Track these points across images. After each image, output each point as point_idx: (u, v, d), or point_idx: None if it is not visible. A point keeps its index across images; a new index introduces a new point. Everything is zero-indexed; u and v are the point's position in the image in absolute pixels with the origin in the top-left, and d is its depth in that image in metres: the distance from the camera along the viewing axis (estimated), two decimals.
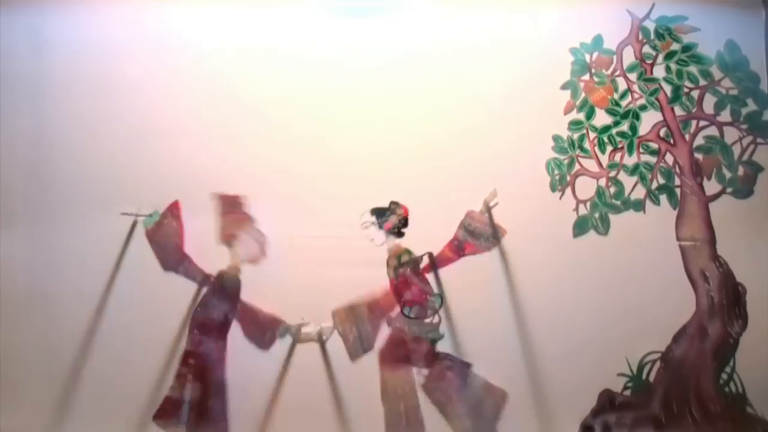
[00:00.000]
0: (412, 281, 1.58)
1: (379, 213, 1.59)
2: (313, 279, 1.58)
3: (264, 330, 1.57)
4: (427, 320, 1.58)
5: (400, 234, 1.60)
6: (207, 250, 1.59)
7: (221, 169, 1.61)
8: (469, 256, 1.60)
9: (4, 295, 1.57)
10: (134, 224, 1.59)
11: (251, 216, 1.60)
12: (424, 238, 1.61)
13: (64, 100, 1.62)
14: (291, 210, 1.60)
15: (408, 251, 1.60)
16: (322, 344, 1.56)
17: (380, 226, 1.59)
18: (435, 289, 1.59)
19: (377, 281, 1.59)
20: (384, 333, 1.59)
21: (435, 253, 1.60)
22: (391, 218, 1.59)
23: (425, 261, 1.60)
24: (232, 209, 1.60)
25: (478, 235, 1.60)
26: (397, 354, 1.57)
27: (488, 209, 1.60)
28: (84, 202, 1.60)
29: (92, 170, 1.61)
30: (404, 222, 1.60)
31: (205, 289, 1.58)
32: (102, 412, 1.55)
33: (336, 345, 1.58)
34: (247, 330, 1.58)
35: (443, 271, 1.60)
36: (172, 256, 1.59)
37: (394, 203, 1.59)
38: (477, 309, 1.59)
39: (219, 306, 1.58)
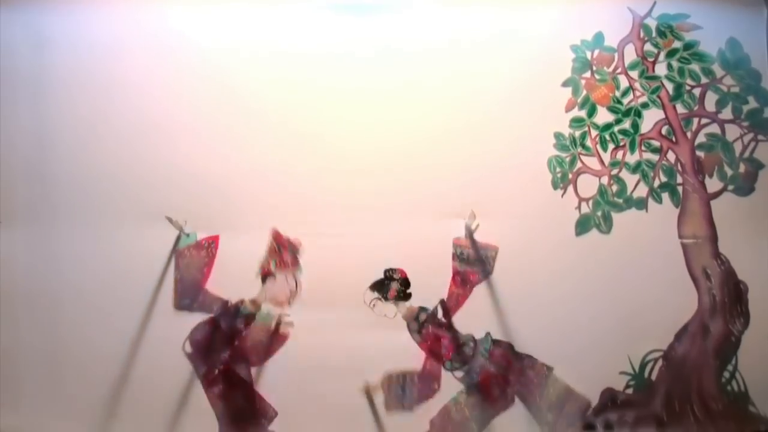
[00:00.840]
0: (440, 335, 1.57)
1: (379, 287, 1.58)
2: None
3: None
4: (470, 354, 1.57)
5: (407, 296, 1.58)
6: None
7: (224, 167, 1.60)
8: (477, 285, 1.59)
9: (4, 295, 1.56)
10: (179, 238, 1.58)
11: (299, 262, 1.58)
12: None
13: (65, 99, 1.61)
14: (294, 208, 1.60)
15: (422, 308, 1.58)
16: (370, 396, 1.54)
17: (386, 299, 1.58)
18: (465, 330, 1.58)
19: None
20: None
21: (446, 297, 1.59)
22: (392, 285, 1.58)
23: (440, 311, 1.58)
24: (282, 251, 1.58)
25: (473, 262, 1.59)
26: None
27: (470, 233, 1.59)
28: (85, 202, 1.59)
29: (93, 169, 1.60)
30: (406, 284, 1.58)
31: (216, 309, 1.57)
32: (102, 412, 1.54)
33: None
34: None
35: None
36: (188, 292, 1.57)
37: (388, 271, 1.58)
38: (477, 309, 1.59)
39: (223, 329, 1.57)
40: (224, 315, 1.57)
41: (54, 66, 1.62)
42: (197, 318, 1.57)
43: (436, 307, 1.58)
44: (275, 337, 1.56)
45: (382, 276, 1.58)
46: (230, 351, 1.56)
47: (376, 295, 1.57)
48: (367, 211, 1.60)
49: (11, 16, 1.63)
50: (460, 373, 1.57)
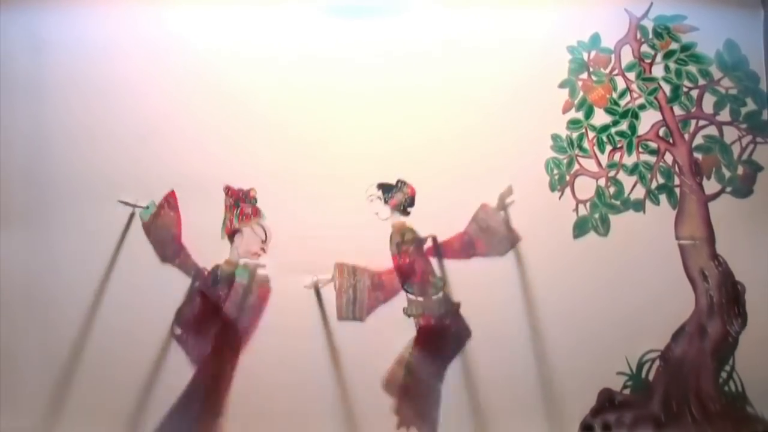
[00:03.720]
0: (414, 259, 1.59)
1: (386, 188, 1.60)
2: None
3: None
4: (434, 297, 1.59)
5: (405, 212, 1.60)
6: (205, 246, 1.59)
7: (219, 169, 1.61)
8: (479, 257, 1.59)
9: (3, 295, 1.57)
10: (132, 216, 1.59)
11: (260, 210, 1.60)
12: (423, 230, 1.61)
13: (62, 100, 1.61)
14: (290, 209, 1.60)
15: (412, 230, 1.60)
16: (318, 292, 1.57)
17: (386, 201, 1.60)
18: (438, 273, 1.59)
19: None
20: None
21: (440, 240, 1.60)
22: (397, 195, 1.59)
23: (429, 243, 1.60)
24: (240, 203, 1.59)
25: (492, 234, 1.59)
26: (434, 342, 1.57)
27: (504, 207, 1.60)
28: (82, 202, 1.60)
29: (90, 170, 1.60)
30: (410, 201, 1.60)
31: (196, 284, 1.58)
32: (103, 412, 1.55)
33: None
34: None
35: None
36: (169, 247, 1.58)
37: (401, 181, 1.60)
38: (476, 308, 1.59)
39: (207, 301, 1.57)
40: (204, 284, 1.58)
41: (51, 68, 1.62)
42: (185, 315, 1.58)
43: (426, 238, 1.60)
44: (257, 295, 1.57)
45: (393, 183, 1.61)
46: (219, 322, 1.57)
47: (379, 193, 1.60)
48: (363, 214, 1.60)
49: (9, 19, 1.63)
50: (412, 298, 1.59)
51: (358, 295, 1.58)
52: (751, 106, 1.65)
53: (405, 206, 1.60)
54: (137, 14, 1.64)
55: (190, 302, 1.58)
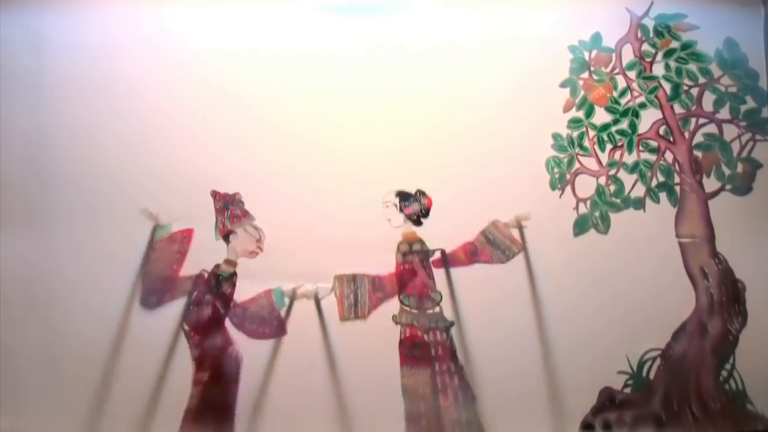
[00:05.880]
0: (418, 270, 1.59)
1: (405, 197, 1.60)
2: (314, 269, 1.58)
3: (262, 308, 1.57)
4: (429, 311, 1.58)
5: (418, 222, 1.60)
6: (204, 250, 1.59)
7: (220, 168, 1.60)
8: (482, 264, 1.60)
9: (4, 295, 1.56)
10: (155, 229, 1.58)
11: (248, 213, 1.60)
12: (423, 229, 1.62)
13: (63, 99, 1.61)
14: (290, 209, 1.60)
15: (421, 241, 1.60)
16: (318, 302, 1.56)
17: (401, 210, 1.60)
18: (444, 287, 1.59)
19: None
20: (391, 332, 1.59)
21: (447, 252, 1.60)
22: (414, 205, 1.60)
23: (436, 255, 1.60)
24: (229, 206, 1.59)
25: (497, 245, 1.60)
26: (417, 353, 1.57)
27: (519, 226, 1.61)
28: (82, 200, 1.59)
29: (91, 169, 1.60)
30: (426, 212, 1.60)
31: (197, 290, 1.58)
32: (103, 412, 1.55)
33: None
34: (242, 322, 1.58)
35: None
36: (155, 289, 1.57)
37: (420, 192, 1.60)
38: (476, 307, 1.59)
39: (212, 301, 1.57)
40: (206, 288, 1.58)
41: (52, 67, 1.62)
42: (191, 318, 1.58)
43: (435, 251, 1.60)
44: (279, 325, 1.57)
45: (413, 192, 1.61)
46: (221, 328, 1.57)
47: (396, 200, 1.60)
48: (366, 210, 1.61)
49: (9, 18, 1.63)
50: (407, 309, 1.59)
51: (360, 297, 1.58)
52: (750, 103, 1.65)
53: (419, 216, 1.60)
54: (137, 13, 1.64)
55: (197, 303, 1.58)
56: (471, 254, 1.60)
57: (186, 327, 1.57)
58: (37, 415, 1.55)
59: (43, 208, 1.60)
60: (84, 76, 1.62)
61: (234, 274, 1.59)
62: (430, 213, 1.61)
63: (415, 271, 1.59)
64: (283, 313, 1.57)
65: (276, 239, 1.60)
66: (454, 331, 1.58)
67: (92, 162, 1.60)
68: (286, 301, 1.58)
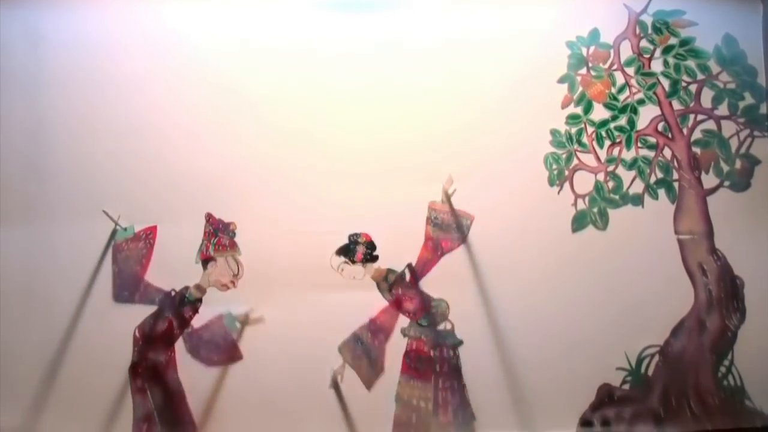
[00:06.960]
0: (410, 295, 1.59)
1: (345, 251, 1.59)
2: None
3: (215, 334, 1.56)
4: (440, 327, 1.58)
5: (374, 258, 1.59)
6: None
7: (218, 167, 1.60)
8: (448, 253, 1.59)
9: (3, 294, 1.56)
10: (114, 232, 1.58)
11: (236, 245, 1.59)
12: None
13: (61, 96, 1.61)
14: (286, 206, 1.60)
15: (391, 270, 1.59)
16: (337, 386, 1.55)
17: (353, 262, 1.59)
18: (434, 295, 1.59)
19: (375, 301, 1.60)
20: (397, 344, 1.58)
21: (414, 262, 1.60)
22: (358, 248, 1.58)
23: (408, 274, 1.59)
24: (219, 233, 1.59)
25: (447, 227, 1.59)
26: (419, 367, 1.57)
27: (448, 197, 1.59)
28: (81, 199, 1.59)
29: (89, 167, 1.60)
30: (372, 246, 1.59)
31: (160, 304, 1.57)
32: (103, 409, 1.54)
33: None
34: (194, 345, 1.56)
35: (436, 275, 1.60)
36: (127, 284, 1.57)
37: (352, 236, 1.59)
38: (475, 306, 1.59)
39: (169, 318, 1.56)
40: (170, 305, 1.56)
41: (50, 64, 1.62)
42: (143, 328, 1.57)
43: (404, 271, 1.59)
44: (233, 350, 1.56)
45: (347, 242, 1.59)
46: (170, 347, 1.55)
47: (343, 259, 1.58)
48: (358, 209, 1.60)
49: (7, 15, 1.63)
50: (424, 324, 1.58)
51: (371, 354, 1.57)
52: (749, 100, 1.65)
53: (371, 253, 1.59)
54: (135, 10, 1.63)
55: (152, 318, 1.56)
56: (434, 249, 1.59)
57: (136, 333, 1.56)
58: (36, 412, 1.54)
59: (41, 204, 1.59)
60: (82, 73, 1.62)
61: (199, 300, 1.57)
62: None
63: (409, 296, 1.59)
64: (235, 336, 1.56)
65: (273, 237, 1.60)
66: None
67: (90, 158, 1.60)
68: (238, 325, 1.56)
